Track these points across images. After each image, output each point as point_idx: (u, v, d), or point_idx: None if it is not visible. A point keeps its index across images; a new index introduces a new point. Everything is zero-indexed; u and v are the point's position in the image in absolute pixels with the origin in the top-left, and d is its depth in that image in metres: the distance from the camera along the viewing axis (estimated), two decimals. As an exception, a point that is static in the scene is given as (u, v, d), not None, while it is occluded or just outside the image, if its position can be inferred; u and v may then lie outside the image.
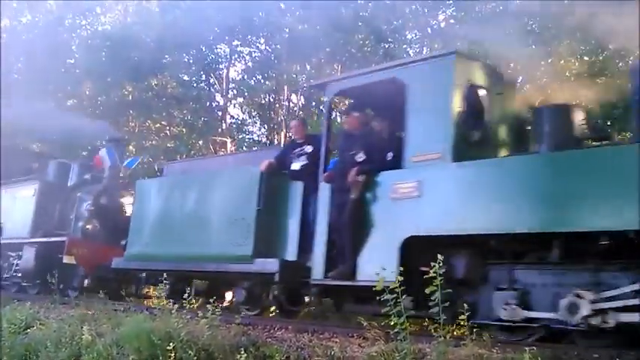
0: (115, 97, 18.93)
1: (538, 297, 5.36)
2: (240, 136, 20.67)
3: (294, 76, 17.87)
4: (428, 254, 5.42)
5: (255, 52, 20.38)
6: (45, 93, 18.24)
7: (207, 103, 19.96)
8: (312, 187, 7.09)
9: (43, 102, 16.42)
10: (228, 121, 20.23)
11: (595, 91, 7.50)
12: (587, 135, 5.84)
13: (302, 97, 19.16)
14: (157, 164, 15.77)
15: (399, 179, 6.15)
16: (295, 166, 7.60)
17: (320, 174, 6.93)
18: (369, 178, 6.37)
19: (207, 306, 6.01)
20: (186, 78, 19.68)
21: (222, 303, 9.03)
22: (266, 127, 20.61)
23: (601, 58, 12.32)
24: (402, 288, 4.71)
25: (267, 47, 19.94)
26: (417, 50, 17.62)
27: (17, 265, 12.01)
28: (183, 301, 6.38)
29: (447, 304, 4.57)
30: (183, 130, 19.95)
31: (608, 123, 11.05)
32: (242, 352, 5.32)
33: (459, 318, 4.75)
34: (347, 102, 7.87)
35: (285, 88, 18.61)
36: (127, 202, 11.43)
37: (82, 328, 6.90)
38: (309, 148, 7.64)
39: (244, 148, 19.12)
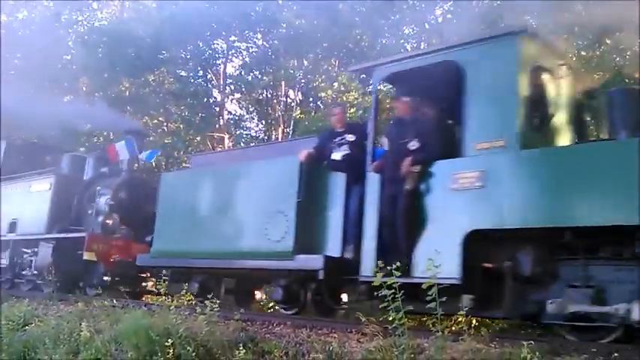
0: (112, 93, 18.88)
1: (615, 294, 4.99)
2: (237, 132, 20.64)
3: (292, 71, 17.83)
4: (490, 250, 5.34)
5: (252, 47, 20.34)
6: (41, 89, 18.17)
7: (205, 99, 19.91)
8: (354, 178, 6.79)
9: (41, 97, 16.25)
10: (226, 116, 20.19)
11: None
12: None
13: (299, 92, 19.14)
14: (153, 160, 15.64)
15: (459, 169, 5.76)
16: (336, 155, 7.25)
17: (367, 164, 6.58)
18: (425, 168, 5.99)
19: (206, 302, 6.01)
20: (183, 74, 19.62)
21: (252, 301, 8.95)
22: (263, 122, 20.58)
23: (598, 53, 12.32)
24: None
25: (265, 43, 19.88)
26: (415, 46, 17.60)
27: (33, 262, 11.58)
28: (213, 301, 6.16)
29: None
30: (181, 126, 19.91)
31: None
32: (241, 348, 5.33)
33: (458, 313, 4.76)
34: (394, 87, 7.31)
35: (283, 83, 18.57)
36: (146, 196, 11.15)
37: (80, 324, 6.90)
38: (350, 137, 7.28)
39: (240, 143, 19.06)
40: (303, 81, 18.47)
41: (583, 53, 12.51)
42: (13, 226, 12.21)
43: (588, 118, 6.33)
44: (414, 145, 6.17)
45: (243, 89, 20.03)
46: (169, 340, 5.52)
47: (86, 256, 10.13)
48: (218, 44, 20.06)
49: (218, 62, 20.20)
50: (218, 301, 6.24)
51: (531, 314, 5.34)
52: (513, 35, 5.72)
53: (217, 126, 19.45)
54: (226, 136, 19.12)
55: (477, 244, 5.47)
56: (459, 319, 4.85)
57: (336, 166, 7.12)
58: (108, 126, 15.66)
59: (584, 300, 5.06)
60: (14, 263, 12.04)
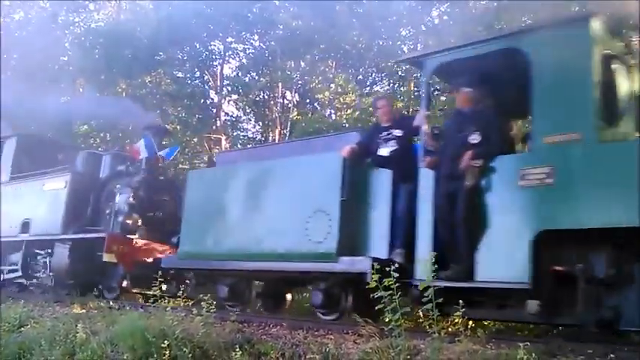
0: (109, 94, 18.85)
1: None
2: (234, 134, 20.64)
3: (289, 73, 17.84)
4: (561, 251, 5.02)
5: (249, 48, 20.35)
6: (39, 89, 18.15)
7: (202, 100, 19.90)
8: (401, 175, 6.42)
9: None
10: (223, 118, 20.20)
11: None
12: None
13: (296, 94, 19.14)
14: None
15: (527, 164, 5.35)
16: (383, 151, 6.84)
17: (419, 159, 6.20)
18: (487, 163, 5.58)
19: (202, 303, 6.00)
20: (180, 75, 19.62)
21: (283, 305, 8.55)
22: (260, 124, 20.59)
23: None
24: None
25: (262, 44, 19.90)
26: (412, 47, 17.63)
27: (47, 263, 11.07)
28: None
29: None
30: (178, 127, 19.88)
31: None
32: (237, 350, 5.32)
33: (454, 314, 4.75)
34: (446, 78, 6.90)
35: (280, 85, 18.58)
36: (167, 196, 10.95)
37: (76, 326, 6.88)
38: (398, 132, 6.85)
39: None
40: (300, 82, 18.48)
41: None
42: (25, 226, 11.67)
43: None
44: (474, 138, 5.76)
45: (240, 90, 20.01)
46: (165, 341, 5.50)
47: (106, 257, 9.70)
48: (215, 45, 20.10)
49: (215, 63, 20.23)
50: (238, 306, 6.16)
51: (607, 320, 5.02)
52: (587, 18, 5.32)
53: (214, 127, 19.43)
54: (223, 138, 19.11)
55: (545, 245, 5.13)
56: (456, 320, 4.84)
57: (382, 162, 6.71)
58: (124, 121, 15.29)
59: None
60: (27, 265, 11.56)
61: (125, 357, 5.92)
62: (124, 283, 9.86)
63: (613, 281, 5.04)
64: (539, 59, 5.47)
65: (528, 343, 4.16)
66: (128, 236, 10.12)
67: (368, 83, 19.38)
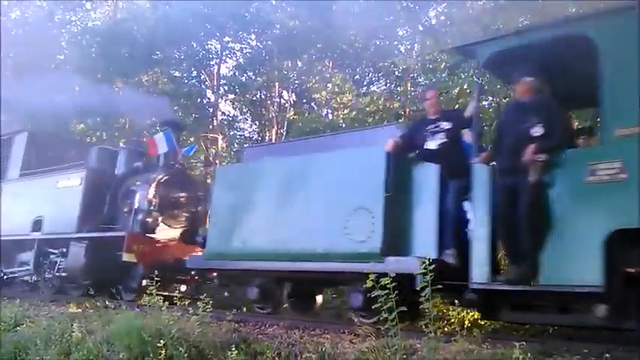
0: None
1: None
2: (231, 133, 20.62)
3: (286, 72, 17.83)
4: (632, 251, 4.76)
5: (246, 48, 20.34)
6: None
7: (198, 100, 19.88)
8: (450, 170, 6.13)
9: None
10: (220, 117, 20.17)
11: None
12: None
13: (293, 93, 19.14)
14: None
15: (596, 158, 4.99)
16: (431, 144, 6.49)
17: (473, 153, 5.86)
18: (552, 158, 5.22)
19: (198, 303, 5.99)
20: (177, 74, 19.59)
21: (313, 307, 8.27)
22: (257, 123, 20.57)
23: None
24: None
25: (259, 43, 19.90)
26: (409, 47, 17.65)
27: (61, 263, 10.66)
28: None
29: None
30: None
31: None
32: (233, 349, 5.31)
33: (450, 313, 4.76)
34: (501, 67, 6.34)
35: (277, 84, 18.57)
36: (187, 193, 10.65)
37: (72, 325, 6.86)
38: (446, 125, 6.52)
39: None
40: (296, 82, 18.48)
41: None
42: (37, 225, 11.32)
43: None
44: (537, 130, 5.37)
45: (237, 90, 20.01)
46: (162, 341, 5.49)
47: (126, 257, 9.41)
48: (212, 45, 20.08)
49: (212, 63, 20.20)
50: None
51: None
52: None
53: (211, 127, 19.41)
54: (220, 137, 19.09)
55: (617, 245, 4.81)
56: (452, 320, 4.84)
57: (429, 156, 6.38)
58: (139, 115, 14.73)
59: None
60: (39, 264, 11.17)
61: (121, 356, 5.91)
62: (143, 284, 9.25)
63: None
64: (608, 46, 5.12)
65: (524, 343, 4.17)
66: (148, 235, 9.88)
67: (365, 83, 19.39)
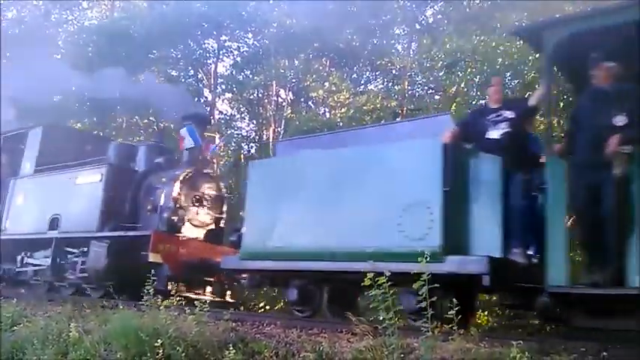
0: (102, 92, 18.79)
1: None
2: (228, 132, 20.61)
3: (283, 71, 17.84)
4: None
5: (243, 47, 20.34)
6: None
7: (196, 99, 19.87)
8: (514, 162, 5.76)
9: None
10: (217, 116, 20.16)
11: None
12: None
13: (290, 92, 19.13)
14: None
15: None
16: (493, 134, 6.13)
17: (543, 146, 5.51)
18: (637, 149, 4.76)
19: (195, 302, 5.98)
20: (174, 73, 19.58)
21: (353, 310, 7.52)
22: (254, 122, 20.57)
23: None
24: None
25: (256, 42, 19.90)
26: (406, 45, 17.66)
27: (81, 264, 10.18)
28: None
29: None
30: (172, 125, 19.84)
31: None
32: (230, 349, 5.30)
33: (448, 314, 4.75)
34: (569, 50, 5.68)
35: (274, 83, 18.57)
36: (213, 190, 10.33)
37: (69, 325, 6.85)
38: (509, 114, 6.16)
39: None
40: (294, 80, 18.48)
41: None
42: (54, 223, 10.87)
43: None
44: (621, 120, 4.94)
45: (234, 89, 20.01)
46: (159, 340, 5.48)
47: (152, 257, 8.93)
48: (209, 44, 20.08)
49: (209, 62, 20.20)
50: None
51: None
52: None
53: (208, 126, 19.37)
54: (217, 136, 19.06)
55: None
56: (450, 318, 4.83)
57: (491, 147, 5.98)
58: (163, 108, 14.55)
59: None
60: (57, 264, 10.71)
61: (118, 356, 5.89)
62: (169, 286, 8.94)
63: None
64: None
65: (521, 342, 4.16)
66: (174, 234, 9.52)
67: (362, 82, 19.40)
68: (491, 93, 6.52)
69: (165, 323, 5.79)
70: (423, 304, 4.20)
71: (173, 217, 9.62)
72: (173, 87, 14.42)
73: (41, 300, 9.15)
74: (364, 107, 15.74)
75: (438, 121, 6.78)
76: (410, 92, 17.00)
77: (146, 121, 20.35)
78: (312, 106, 18.68)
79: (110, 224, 10.10)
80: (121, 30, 18.34)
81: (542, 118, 5.91)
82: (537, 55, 12.57)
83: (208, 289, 9.66)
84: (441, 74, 14.93)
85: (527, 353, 4.02)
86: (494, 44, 13.18)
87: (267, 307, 12.95)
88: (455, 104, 14.05)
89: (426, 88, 16.92)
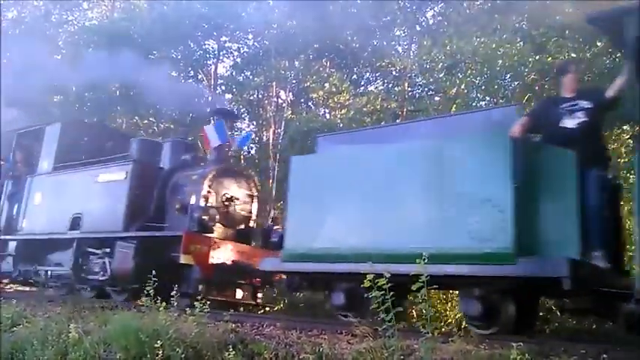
0: (102, 93, 18.80)
1: None
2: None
3: (283, 72, 17.84)
4: None
5: (243, 47, 20.35)
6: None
7: (196, 99, 19.88)
8: (589, 157, 5.41)
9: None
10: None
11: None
12: None
13: (291, 93, 19.13)
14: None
15: None
16: (568, 123, 5.75)
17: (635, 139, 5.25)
18: None
19: (195, 304, 5.98)
20: (174, 74, 19.58)
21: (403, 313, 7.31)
22: (255, 123, 20.56)
23: (588, 55, 12.40)
24: (390, 285, 4.20)
25: (256, 43, 19.90)
26: (406, 47, 17.67)
27: (105, 265, 9.80)
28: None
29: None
30: (171, 125, 19.86)
31: None
32: (230, 350, 5.30)
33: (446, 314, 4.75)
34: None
35: (274, 84, 18.57)
36: (243, 189, 9.99)
37: (68, 326, 6.84)
38: (586, 104, 5.79)
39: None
40: (294, 81, 18.48)
41: (574, 55, 12.58)
42: (75, 223, 10.46)
43: None
44: None
45: (235, 90, 20.00)
46: (159, 341, 5.48)
47: (183, 259, 8.58)
48: (209, 44, 20.06)
49: (209, 62, 20.19)
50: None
51: None
52: None
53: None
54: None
55: None
56: (450, 321, 4.83)
57: (565, 138, 5.61)
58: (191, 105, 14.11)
59: None
60: (78, 266, 10.29)
61: (118, 357, 5.89)
62: (199, 288, 8.69)
63: None
64: None
65: (521, 344, 4.16)
66: (205, 235, 9.14)
67: (362, 83, 19.41)
68: (567, 81, 6.16)
69: (165, 324, 5.79)
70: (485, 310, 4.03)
71: (204, 217, 9.20)
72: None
73: (41, 301, 9.14)
74: (364, 109, 15.74)
75: (502, 112, 6.41)
76: (410, 93, 17.00)
77: (146, 121, 20.34)
78: (313, 107, 18.68)
79: (136, 224, 9.73)
80: (121, 31, 18.34)
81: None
82: (537, 57, 12.72)
83: (239, 292, 9.41)
84: (441, 76, 14.93)
85: (527, 355, 4.02)
86: (494, 46, 13.18)
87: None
88: (455, 106, 14.06)
89: (426, 89, 16.93)
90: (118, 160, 10.51)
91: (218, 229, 9.49)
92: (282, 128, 17.57)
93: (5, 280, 11.98)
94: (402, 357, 4.47)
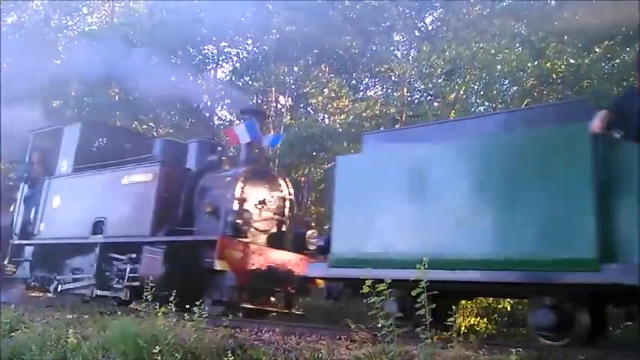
0: (102, 97, 18.81)
1: None
2: (227, 137, 20.59)
3: (282, 77, 17.87)
4: None
5: (242, 53, 20.37)
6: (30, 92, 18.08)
7: (195, 104, 19.89)
8: None
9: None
10: (216, 122, 20.18)
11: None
12: None
13: (290, 98, 19.15)
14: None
15: None
16: None
17: None
18: None
19: (194, 309, 5.97)
20: (173, 79, 19.59)
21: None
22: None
23: (587, 61, 12.43)
24: (390, 290, 4.23)
25: (255, 48, 19.93)
26: (405, 52, 17.70)
27: (131, 271, 9.35)
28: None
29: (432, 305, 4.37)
30: (171, 131, 19.86)
31: None
32: (229, 355, 5.29)
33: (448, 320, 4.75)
34: None
35: (273, 89, 18.59)
36: (275, 190, 9.53)
37: (67, 331, 6.83)
38: None
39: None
40: (293, 87, 18.50)
41: (572, 61, 12.62)
42: (98, 227, 10.05)
43: None
44: None
45: (234, 94, 20.02)
46: (157, 347, 5.47)
47: (218, 265, 8.10)
48: (208, 50, 20.07)
49: (208, 67, 20.20)
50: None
51: None
52: None
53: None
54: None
55: None
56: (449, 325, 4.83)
57: None
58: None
59: None
60: (102, 272, 9.90)
61: (116, 362, 5.89)
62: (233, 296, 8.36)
63: None
64: None
65: (520, 349, 4.15)
66: (241, 240, 8.63)
67: (361, 88, 19.44)
68: None
69: (164, 330, 5.78)
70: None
71: (239, 221, 8.68)
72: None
73: (39, 306, 9.12)
74: (363, 114, 15.76)
75: (574, 107, 5.99)
76: (409, 99, 17.02)
77: (145, 126, 20.34)
78: (312, 113, 18.70)
79: (163, 228, 9.28)
80: (120, 35, 18.34)
81: None
82: (536, 63, 12.74)
83: (272, 299, 9.13)
84: (440, 81, 14.96)
85: (526, 360, 4.02)
86: (493, 51, 13.21)
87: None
88: (454, 111, 14.09)
89: (425, 94, 16.95)
90: (143, 162, 10.12)
91: (251, 234, 9.06)
92: (282, 133, 17.57)
93: (22, 286, 11.63)
94: (401, 363, 4.46)
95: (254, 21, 18.29)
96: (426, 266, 4.31)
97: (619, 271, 4.70)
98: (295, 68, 18.12)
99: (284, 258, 8.92)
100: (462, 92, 14.32)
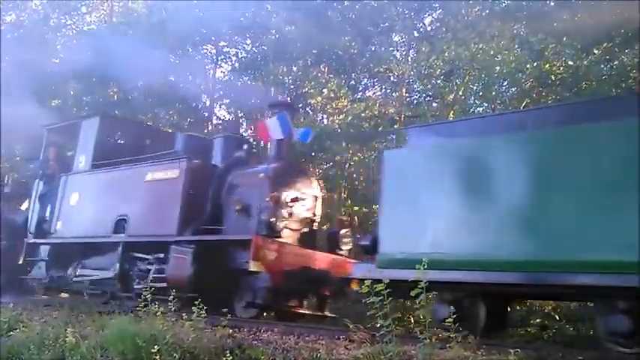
0: (100, 97, 18.79)
1: None
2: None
3: (281, 77, 17.86)
4: None
5: (241, 52, 20.36)
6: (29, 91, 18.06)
7: (194, 104, 19.88)
8: None
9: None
10: (215, 122, 20.16)
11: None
12: None
13: (289, 98, 19.13)
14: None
15: None
16: None
17: None
18: None
19: (193, 308, 5.97)
20: (172, 78, 19.59)
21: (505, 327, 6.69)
22: (252, 128, 20.56)
23: (586, 62, 12.44)
24: (388, 290, 4.25)
25: (254, 48, 19.92)
26: (404, 53, 17.71)
27: (157, 272, 8.96)
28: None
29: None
30: (169, 130, 19.85)
31: None
32: (227, 355, 5.30)
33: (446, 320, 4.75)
34: None
35: (272, 89, 18.57)
36: (306, 188, 9.12)
37: (65, 330, 6.84)
38: None
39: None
40: (292, 87, 18.49)
41: (570, 63, 12.63)
42: (120, 225, 9.70)
43: None
44: None
45: (232, 94, 20.01)
46: (156, 346, 5.48)
47: (254, 266, 7.71)
48: (207, 49, 20.05)
49: (207, 67, 20.18)
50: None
51: None
52: None
53: (206, 131, 19.39)
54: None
55: None
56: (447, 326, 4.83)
57: None
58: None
59: None
60: (125, 272, 9.53)
61: (115, 362, 5.89)
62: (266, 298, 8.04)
63: None
64: None
65: (519, 350, 4.17)
66: (276, 239, 8.28)
67: (360, 89, 19.42)
68: None
69: (162, 329, 5.78)
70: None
71: (272, 219, 8.26)
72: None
73: (37, 305, 9.12)
74: (362, 114, 15.75)
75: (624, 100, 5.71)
76: (408, 99, 17.02)
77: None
78: (310, 113, 18.68)
79: (191, 227, 8.89)
80: (119, 35, 18.33)
81: None
82: (535, 64, 12.76)
83: (305, 302, 8.89)
84: (439, 82, 14.96)
85: (524, 361, 4.03)
86: (492, 52, 13.22)
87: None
88: (453, 112, 14.09)
89: (424, 95, 16.95)
90: (168, 158, 9.74)
91: (289, 233, 8.75)
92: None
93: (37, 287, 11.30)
94: (399, 363, 4.47)
95: (253, 21, 18.29)
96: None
97: None
98: (294, 68, 18.11)
99: (319, 258, 8.61)
100: (460, 93, 14.32)
